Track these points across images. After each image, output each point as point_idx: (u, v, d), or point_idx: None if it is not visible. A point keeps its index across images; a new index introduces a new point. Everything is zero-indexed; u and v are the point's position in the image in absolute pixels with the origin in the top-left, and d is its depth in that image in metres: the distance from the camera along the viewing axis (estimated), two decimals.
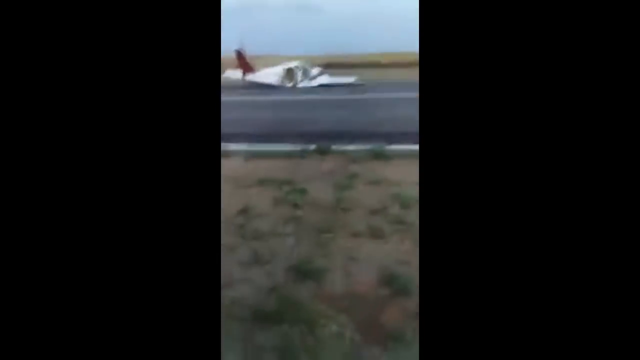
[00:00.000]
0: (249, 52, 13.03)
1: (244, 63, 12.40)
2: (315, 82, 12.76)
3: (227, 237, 2.30)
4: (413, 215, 2.69)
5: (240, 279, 1.93)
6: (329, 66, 15.10)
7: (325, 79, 12.94)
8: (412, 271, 2.06)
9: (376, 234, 2.45)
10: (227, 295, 1.75)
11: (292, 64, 12.97)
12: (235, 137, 4.68)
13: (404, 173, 3.55)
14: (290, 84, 12.62)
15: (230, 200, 2.73)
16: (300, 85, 12.60)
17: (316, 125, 6.02)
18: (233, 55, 12.48)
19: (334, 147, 4.32)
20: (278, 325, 1.61)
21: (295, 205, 2.85)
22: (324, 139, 4.59)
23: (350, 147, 4.33)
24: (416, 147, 3.42)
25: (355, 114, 7.32)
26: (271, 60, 13.94)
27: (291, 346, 1.50)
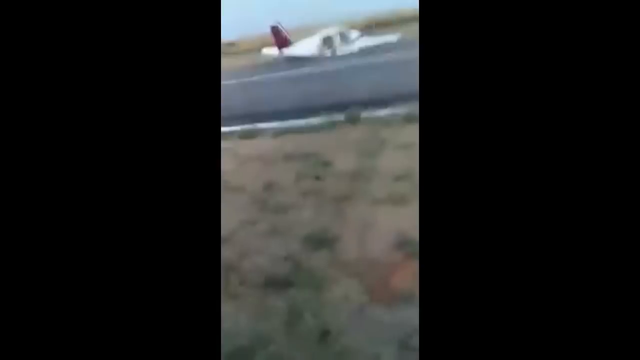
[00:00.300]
0: (286, 26, 12.93)
1: (280, 38, 12.36)
2: (355, 47, 12.26)
3: (249, 213, 2.47)
4: None
5: (257, 250, 2.08)
6: (377, 26, 14.32)
7: (365, 42, 12.34)
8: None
9: (396, 200, 2.41)
10: (243, 264, 1.92)
11: (330, 31, 12.57)
12: (266, 116, 4.82)
13: None
14: (329, 53, 12.33)
15: (255, 178, 2.89)
16: (340, 52, 12.24)
17: (351, 94, 5.87)
18: (269, 33, 12.51)
19: (365, 114, 4.21)
20: (287, 290, 1.73)
21: (317, 178, 2.91)
22: (359, 106, 4.44)
23: (383, 113, 4.18)
24: None
25: (393, 75, 6.94)
26: (309, 32, 13.66)
27: (296, 308, 1.62)
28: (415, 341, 1.40)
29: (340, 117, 4.22)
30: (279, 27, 12.36)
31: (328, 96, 5.95)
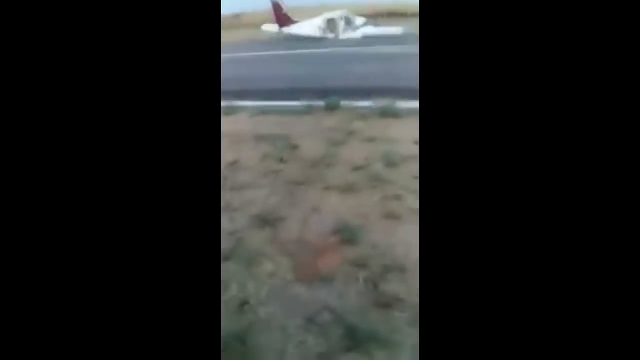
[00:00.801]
0: (290, 3, 12.67)
1: (280, 15, 12.14)
2: (358, 34, 12.11)
3: None
4: (392, 173, 2.67)
5: None
6: (385, 16, 14.11)
7: (370, 30, 12.19)
8: (366, 223, 2.13)
9: (346, 188, 2.52)
10: None
11: (335, 14, 12.37)
12: (251, 94, 4.83)
13: (405, 131, 3.45)
14: (332, 35, 12.17)
15: (222, 155, 2.96)
16: (343, 36, 12.08)
17: (342, 81, 5.89)
18: (270, 8, 12.25)
19: (345, 103, 4.26)
20: (224, 262, 1.85)
21: (281, 160, 2.99)
22: (347, 94, 4.51)
23: (363, 104, 4.24)
24: None
25: (387, 68, 6.94)
26: (314, 12, 13.40)
27: (226, 279, 1.74)
28: (321, 317, 1.53)
29: (316, 102, 4.27)
30: (280, 2, 12.11)
31: (319, 80, 5.96)
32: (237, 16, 20.02)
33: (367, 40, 11.12)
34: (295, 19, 12.29)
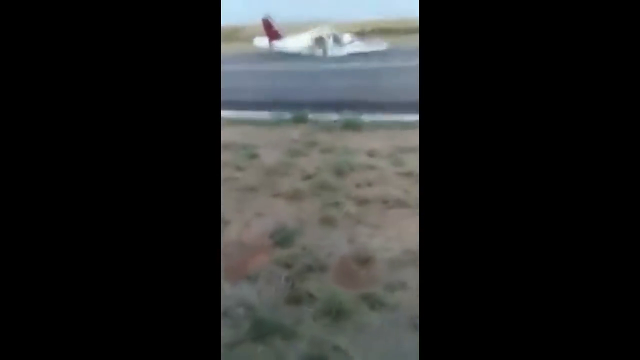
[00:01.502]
0: (281, 19, 13.09)
1: (271, 31, 12.53)
2: (345, 50, 12.49)
3: None
4: (338, 181, 2.83)
5: None
6: (373, 32, 14.57)
7: (357, 47, 12.58)
8: (302, 228, 2.27)
9: (294, 196, 2.66)
10: None
11: (323, 31, 12.76)
12: (233, 105, 5.01)
13: (363, 142, 3.63)
14: (320, 52, 12.53)
15: None
16: (330, 54, 12.44)
17: (319, 94, 6.11)
18: (261, 23, 12.65)
19: (312, 116, 4.45)
20: None
21: (237, 168, 3.14)
22: (323, 107, 4.71)
23: (332, 117, 4.42)
24: (395, 117, 3.51)
25: (366, 82, 7.20)
26: (304, 27, 13.82)
27: None
28: (235, 312, 1.65)
29: (285, 114, 4.46)
30: (269, 20, 12.53)
31: (297, 94, 6.18)
32: (237, 30, 20.43)
33: (353, 56, 11.49)
34: (284, 35, 12.68)
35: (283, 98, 5.79)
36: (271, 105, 5.19)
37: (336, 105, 4.79)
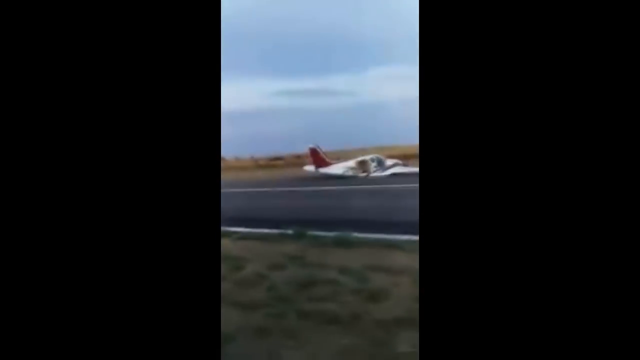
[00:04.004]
0: (331, 147, 15.16)
1: (317, 158, 14.41)
2: (387, 172, 13.50)
3: None
4: (295, 294, 3.00)
5: None
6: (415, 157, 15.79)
7: (398, 169, 13.57)
8: (234, 335, 2.44)
9: (249, 306, 2.89)
10: None
11: (367, 157, 14.23)
12: (256, 222, 5.74)
13: (342, 259, 3.83)
14: (363, 175, 13.73)
15: None
16: (373, 175, 13.54)
17: (339, 213, 6.65)
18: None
19: (309, 232, 4.87)
20: None
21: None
22: (342, 225, 5.09)
23: (329, 234, 4.79)
24: (390, 236, 3.81)
25: (386, 202, 7.62)
26: (352, 154, 15.63)
27: None
28: None
29: (287, 231, 4.96)
30: (317, 148, 14.57)
31: (313, 213, 6.81)
32: (298, 157, 23.71)
33: (395, 178, 12.31)
34: (332, 161, 14.45)
35: (303, 216, 6.43)
36: (292, 222, 5.79)
37: (354, 224, 5.21)
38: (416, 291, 2.91)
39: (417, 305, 2.65)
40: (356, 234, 4.57)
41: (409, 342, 2.13)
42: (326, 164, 14.32)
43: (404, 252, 3.78)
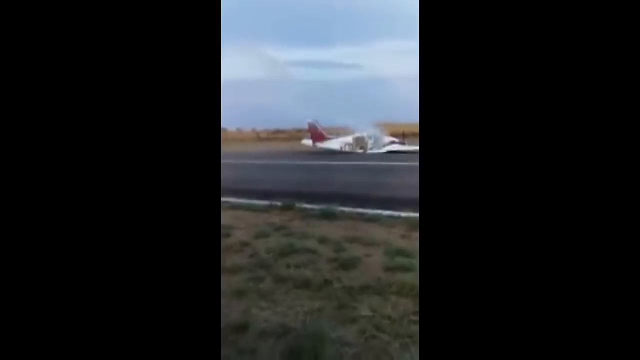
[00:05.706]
0: (330, 124, 15.17)
1: (315, 133, 14.45)
2: (384, 150, 13.59)
3: None
4: (275, 261, 3.20)
5: None
6: (415, 135, 15.80)
7: (395, 147, 13.65)
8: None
9: (231, 270, 3.10)
10: None
11: (364, 133, 14.26)
12: (244, 193, 5.90)
13: (324, 230, 4.02)
14: (361, 151, 13.82)
15: None
16: (370, 152, 13.64)
17: (329, 187, 6.82)
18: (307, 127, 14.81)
19: (297, 205, 5.05)
20: None
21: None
22: (330, 199, 5.30)
23: (316, 207, 4.97)
24: (372, 211, 4.19)
25: (379, 178, 7.78)
26: (350, 131, 15.64)
27: None
28: None
29: (276, 203, 5.15)
30: (315, 123, 14.58)
31: (309, 186, 6.98)
32: (299, 131, 23.74)
33: (391, 155, 12.42)
34: (329, 136, 14.49)
35: (293, 189, 6.61)
36: (282, 195, 5.98)
37: (342, 198, 5.39)
38: (385, 261, 3.12)
39: (384, 275, 2.86)
40: (342, 208, 4.74)
41: (370, 307, 2.34)
42: (323, 139, 14.37)
43: (382, 226, 3.96)
